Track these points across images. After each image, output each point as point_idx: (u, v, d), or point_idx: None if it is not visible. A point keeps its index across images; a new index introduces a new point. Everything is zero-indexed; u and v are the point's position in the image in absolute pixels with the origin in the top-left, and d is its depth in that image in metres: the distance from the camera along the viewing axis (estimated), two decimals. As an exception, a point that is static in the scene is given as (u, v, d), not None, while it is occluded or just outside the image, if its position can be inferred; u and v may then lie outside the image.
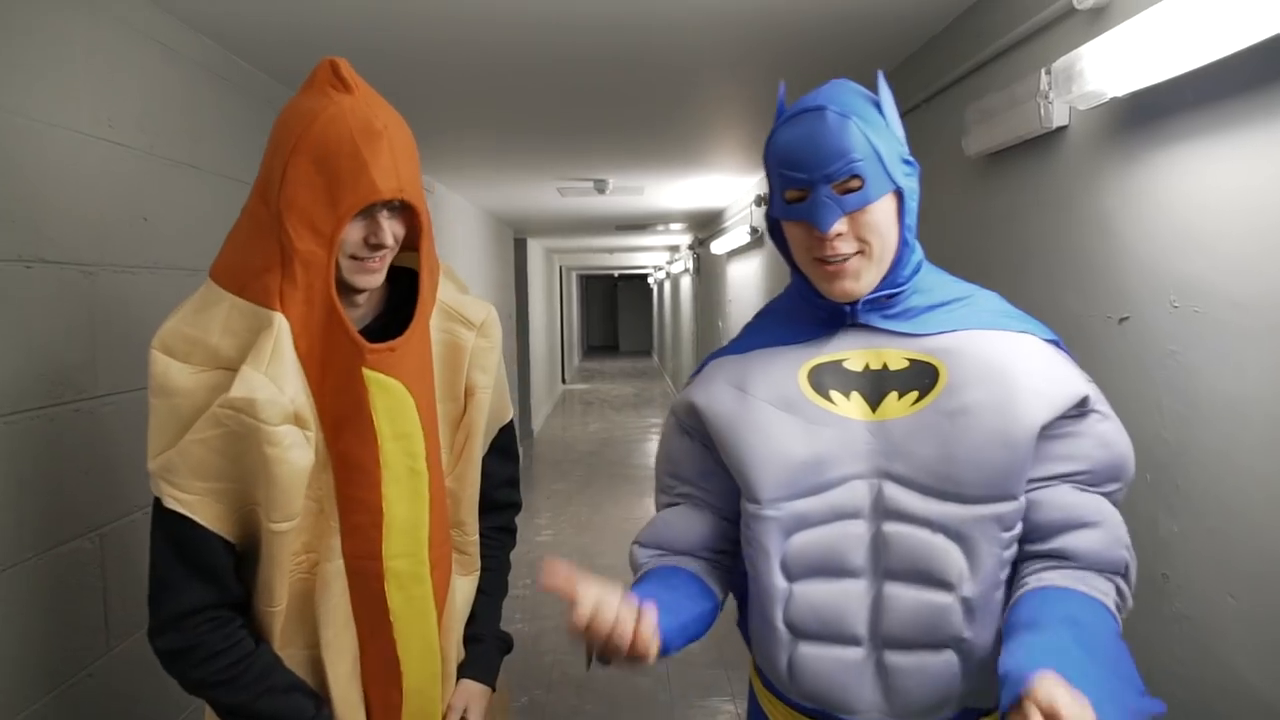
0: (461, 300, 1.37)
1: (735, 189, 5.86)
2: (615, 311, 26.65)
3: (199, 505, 1.17)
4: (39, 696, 1.60)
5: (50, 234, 1.65)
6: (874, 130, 1.11)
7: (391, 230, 1.19)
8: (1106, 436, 1.11)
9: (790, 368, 1.18)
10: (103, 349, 1.80)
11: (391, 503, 1.24)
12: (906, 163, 1.14)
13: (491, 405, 1.39)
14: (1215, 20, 1.19)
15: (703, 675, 3.85)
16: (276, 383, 1.14)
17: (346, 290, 1.21)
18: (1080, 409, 1.10)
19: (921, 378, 1.12)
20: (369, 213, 1.16)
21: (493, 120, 3.44)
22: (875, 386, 1.14)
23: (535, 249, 10.92)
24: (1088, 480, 1.11)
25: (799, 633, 1.15)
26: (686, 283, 11.72)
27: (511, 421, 1.49)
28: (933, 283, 1.19)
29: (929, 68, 2.47)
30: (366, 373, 1.20)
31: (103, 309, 1.81)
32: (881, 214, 1.11)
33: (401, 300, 1.29)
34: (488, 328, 1.37)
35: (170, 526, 1.18)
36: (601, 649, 1.01)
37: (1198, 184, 1.38)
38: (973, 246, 2.27)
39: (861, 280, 1.13)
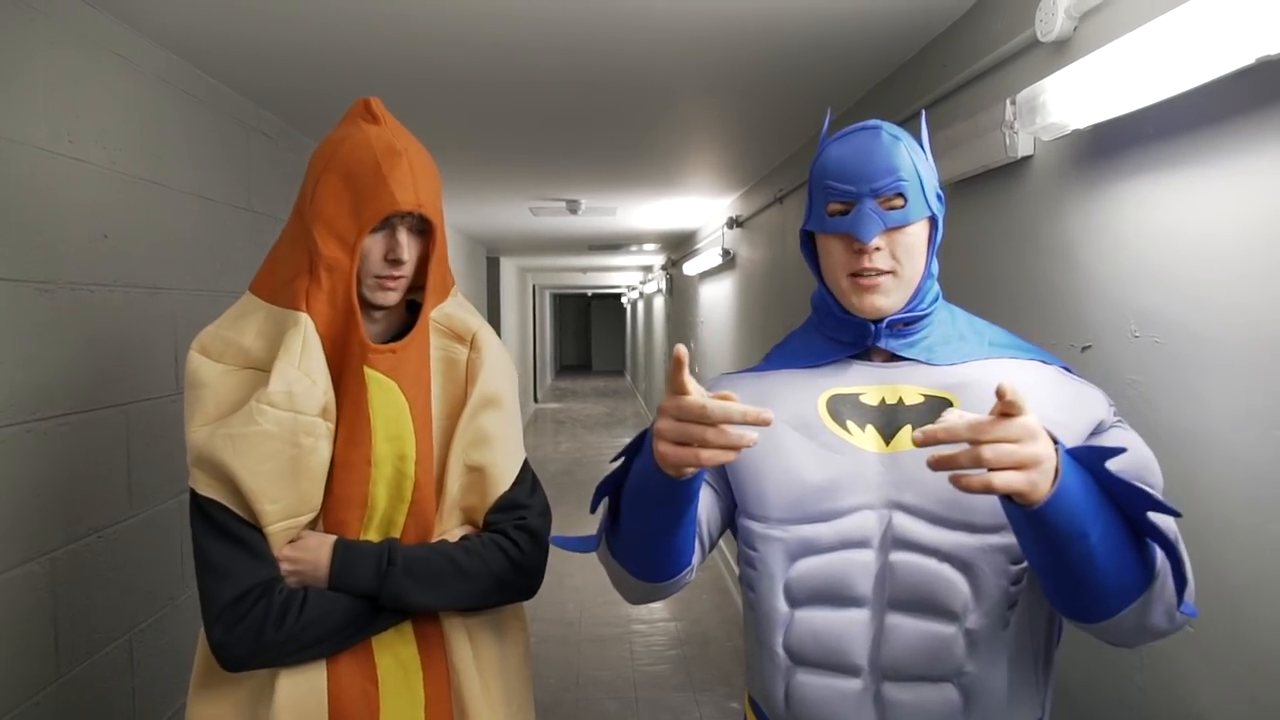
0: (452, 316, 1.40)
1: (708, 211, 5.88)
2: (589, 331, 26.63)
3: (228, 493, 1.22)
4: (-17, 726, 1.55)
5: (5, 250, 1.62)
6: (918, 157, 1.17)
7: (409, 246, 1.28)
8: (1128, 441, 1.10)
9: (810, 393, 1.20)
10: (58, 369, 1.77)
11: (377, 499, 1.30)
12: (939, 199, 1.20)
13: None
14: (1174, 56, 1.21)
15: (670, 698, 3.82)
16: (310, 376, 1.24)
17: (367, 307, 1.31)
18: (1098, 430, 1.10)
19: (935, 412, 1.13)
20: (389, 227, 1.27)
21: (464, 140, 3.43)
22: (889, 420, 1.15)
23: (508, 268, 10.90)
24: None
25: (798, 659, 1.15)
26: (659, 303, 11.74)
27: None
28: (945, 317, 1.22)
29: (897, 95, 2.50)
30: (367, 371, 1.27)
31: (60, 328, 1.77)
32: (917, 237, 1.16)
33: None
34: (479, 342, 1.40)
35: (209, 512, 1.23)
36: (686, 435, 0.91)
37: (1156, 216, 1.40)
38: (939, 273, 2.28)
39: (890, 298, 1.16)
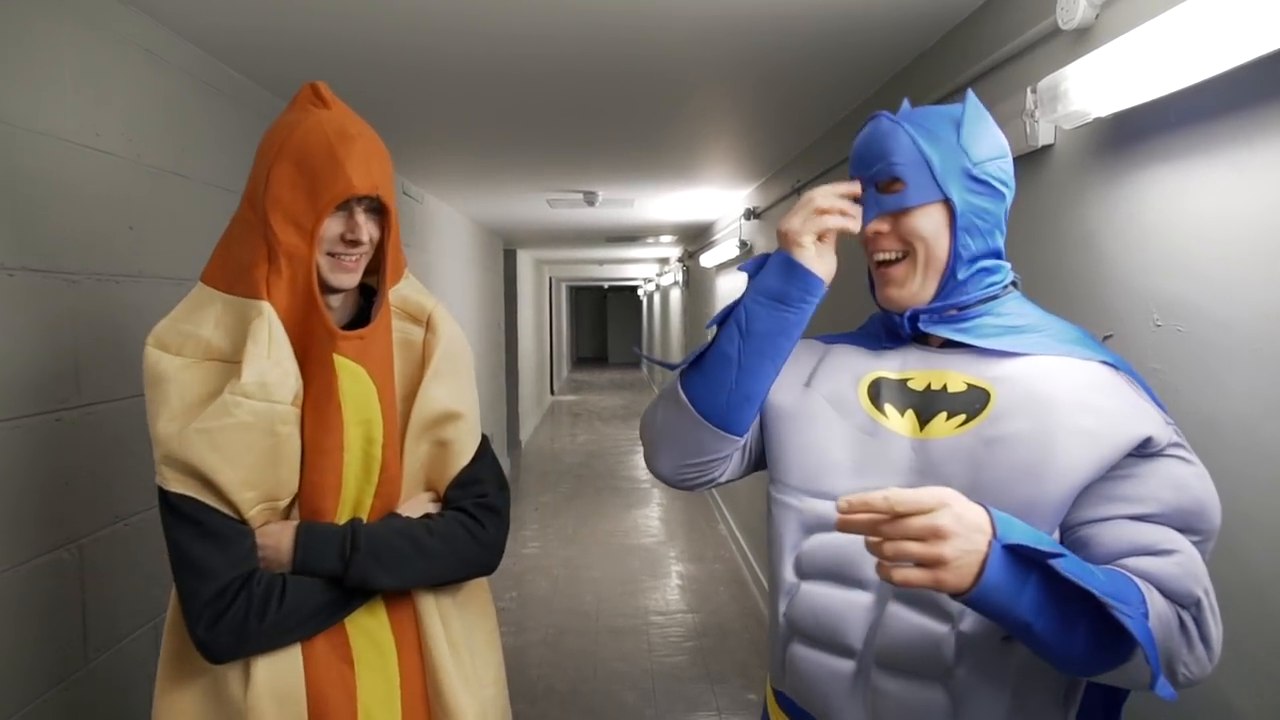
0: (407, 298, 1.41)
1: (725, 202, 5.87)
2: (605, 323, 26.64)
3: (201, 487, 1.20)
4: (12, 711, 1.58)
5: (34, 242, 1.64)
6: (931, 141, 1.14)
7: (366, 228, 1.28)
8: (1181, 479, 1.01)
9: (854, 372, 1.22)
10: (86, 358, 1.79)
11: (348, 483, 1.30)
12: (979, 181, 1.14)
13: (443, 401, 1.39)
14: (1197, 43, 1.21)
15: (688, 689, 3.83)
16: (280, 365, 1.23)
17: (324, 290, 1.29)
18: (1144, 449, 1.02)
19: (973, 402, 1.11)
20: (346, 209, 1.26)
21: (482, 131, 3.44)
22: (928, 405, 1.14)
23: (525, 260, 10.92)
24: (1156, 523, 1.01)
25: (796, 630, 1.16)
26: (676, 295, 11.73)
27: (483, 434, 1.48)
28: (1014, 309, 1.17)
29: (917, 84, 2.49)
30: (336, 358, 1.27)
31: (86, 318, 1.80)
32: (926, 220, 1.14)
33: (372, 310, 1.36)
34: (434, 322, 1.41)
35: (183, 509, 1.21)
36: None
37: (1179, 204, 1.39)
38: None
39: (906, 288, 1.17)
